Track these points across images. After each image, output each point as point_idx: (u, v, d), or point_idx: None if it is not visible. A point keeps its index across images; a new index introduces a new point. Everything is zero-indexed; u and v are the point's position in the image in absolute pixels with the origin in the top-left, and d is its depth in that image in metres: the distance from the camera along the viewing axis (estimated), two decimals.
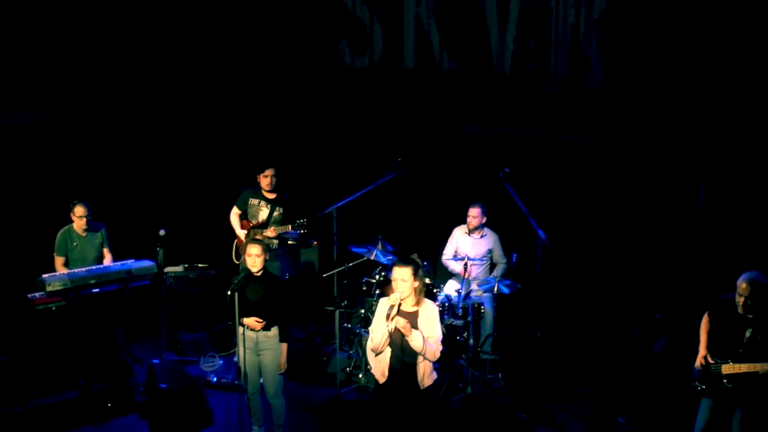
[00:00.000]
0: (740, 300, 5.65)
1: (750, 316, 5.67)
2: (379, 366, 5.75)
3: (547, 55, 8.53)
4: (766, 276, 5.65)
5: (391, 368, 5.71)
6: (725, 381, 5.74)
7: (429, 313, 5.68)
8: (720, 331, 5.85)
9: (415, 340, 5.55)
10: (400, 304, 5.59)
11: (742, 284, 5.64)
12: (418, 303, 5.67)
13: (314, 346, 8.64)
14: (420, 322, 5.63)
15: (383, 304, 5.69)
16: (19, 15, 9.21)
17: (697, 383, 5.91)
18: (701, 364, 5.87)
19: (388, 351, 5.68)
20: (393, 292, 5.63)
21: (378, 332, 5.64)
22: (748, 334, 5.67)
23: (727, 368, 5.73)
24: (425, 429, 5.78)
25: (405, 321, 5.53)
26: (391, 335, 5.61)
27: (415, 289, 5.61)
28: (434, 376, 5.77)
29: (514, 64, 8.70)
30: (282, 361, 6.53)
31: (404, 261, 5.69)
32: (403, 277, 5.56)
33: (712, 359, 5.83)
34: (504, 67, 8.74)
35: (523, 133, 8.78)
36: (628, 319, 7.95)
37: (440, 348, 5.68)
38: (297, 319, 8.80)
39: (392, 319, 5.53)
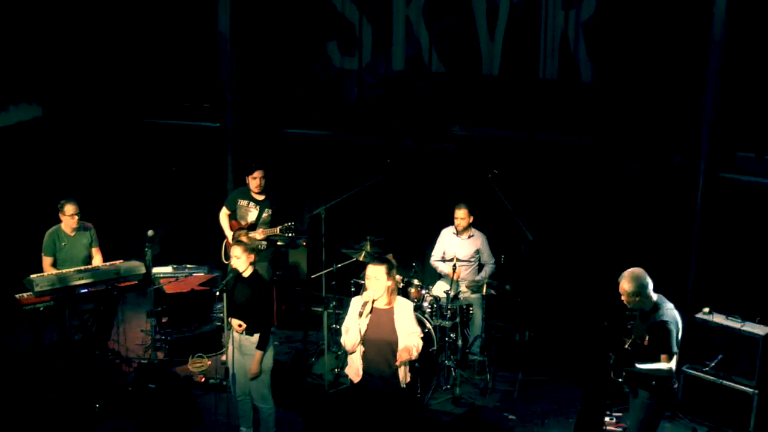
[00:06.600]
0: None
1: (635, 313, 5.81)
2: (353, 365, 5.76)
3: (536, 57, 8.56)
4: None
5: (367, 369, 5.70)
6: (621, 380, 5.87)
7: (404, 309, 5.73)
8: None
9: (414, 350, 5.59)
10: (374, 302, 5.64)
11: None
12: (390, 302, 5.71)
13: (302, 346, 8.64)
14: (396, 318, 5.68)
15: (356, 303, 5.72)
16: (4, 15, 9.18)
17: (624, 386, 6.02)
18: None
19: (360, 349, 5.69)
20: (366, 290, 5.68)
21: (351, 331, 5.67)
22: (634, 335, 5.73)
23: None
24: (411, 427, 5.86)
25: (408, 355, 5.57)
26: (364, 334, 5.62)
27: (388, 288, 5.66)
28: (409, 373, 5.85)
29: (503, 66, 8.72)
30: (254, 368, 6.35)
31: (379, 259, 5.77)
32: (376, 276, 5.61)
33: None
34: (493, 69, 8.76)
35: (511, 134, 8.80)
36: (617, 320, 7.96)
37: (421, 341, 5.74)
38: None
39: (366, 315, 5.59)
